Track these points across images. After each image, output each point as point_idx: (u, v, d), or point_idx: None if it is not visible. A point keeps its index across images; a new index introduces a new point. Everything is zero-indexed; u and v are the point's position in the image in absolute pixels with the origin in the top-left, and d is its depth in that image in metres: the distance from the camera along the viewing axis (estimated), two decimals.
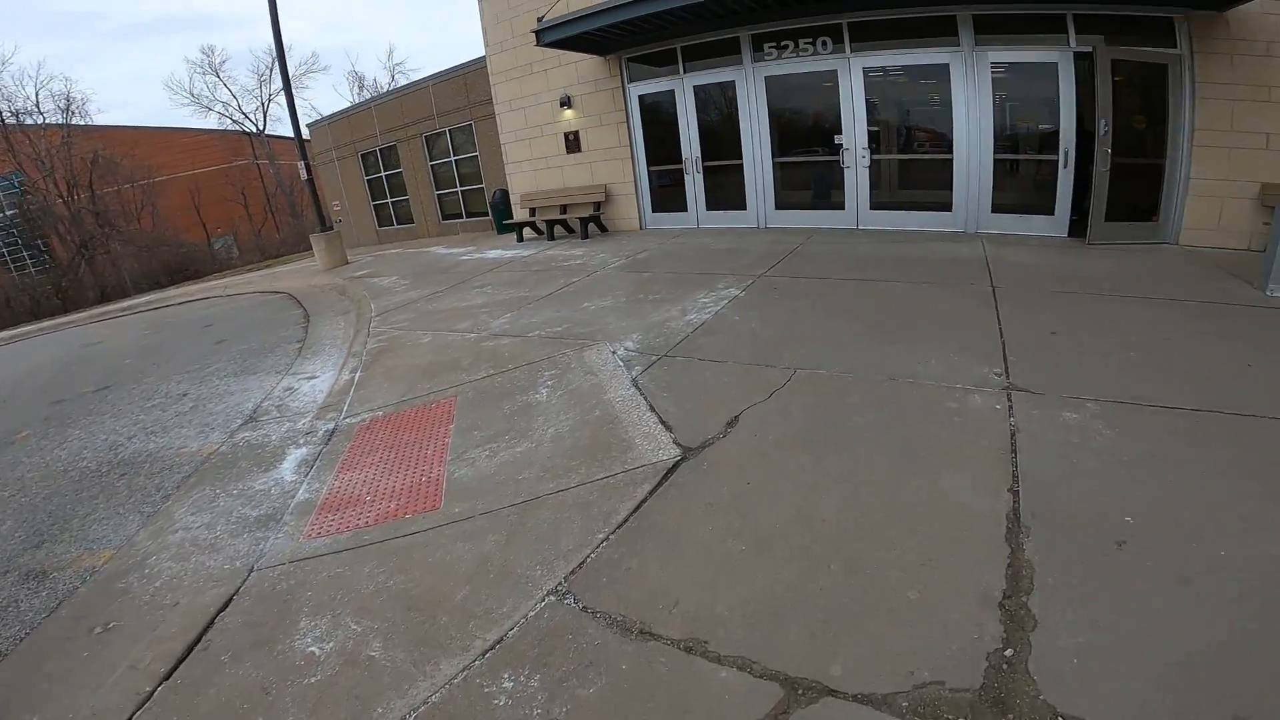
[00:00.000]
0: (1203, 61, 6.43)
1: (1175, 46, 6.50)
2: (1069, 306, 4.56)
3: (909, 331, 4.24)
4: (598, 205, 9.50)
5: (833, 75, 7.69)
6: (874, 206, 7.93)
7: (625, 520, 2.57)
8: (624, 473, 2.94)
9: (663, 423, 3.41)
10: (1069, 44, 6.70)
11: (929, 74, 7.34)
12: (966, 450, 2.79)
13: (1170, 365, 3.47)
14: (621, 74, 9.08)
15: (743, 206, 8.68)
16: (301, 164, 11.53)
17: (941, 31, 7.12)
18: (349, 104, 19.75)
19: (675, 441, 3.20)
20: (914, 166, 7.82)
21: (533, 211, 10.17)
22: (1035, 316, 4.37)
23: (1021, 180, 7.41)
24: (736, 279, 5.99)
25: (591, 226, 9.61)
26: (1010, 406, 3.11)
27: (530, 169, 10.28)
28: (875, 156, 7.78)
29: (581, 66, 9.39)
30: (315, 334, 6.70)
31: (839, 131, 7.82)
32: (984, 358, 3.70)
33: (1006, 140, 7.26)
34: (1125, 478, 2.48)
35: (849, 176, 7.90)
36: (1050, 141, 6.94)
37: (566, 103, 9.52)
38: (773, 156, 8.33)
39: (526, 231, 10.23)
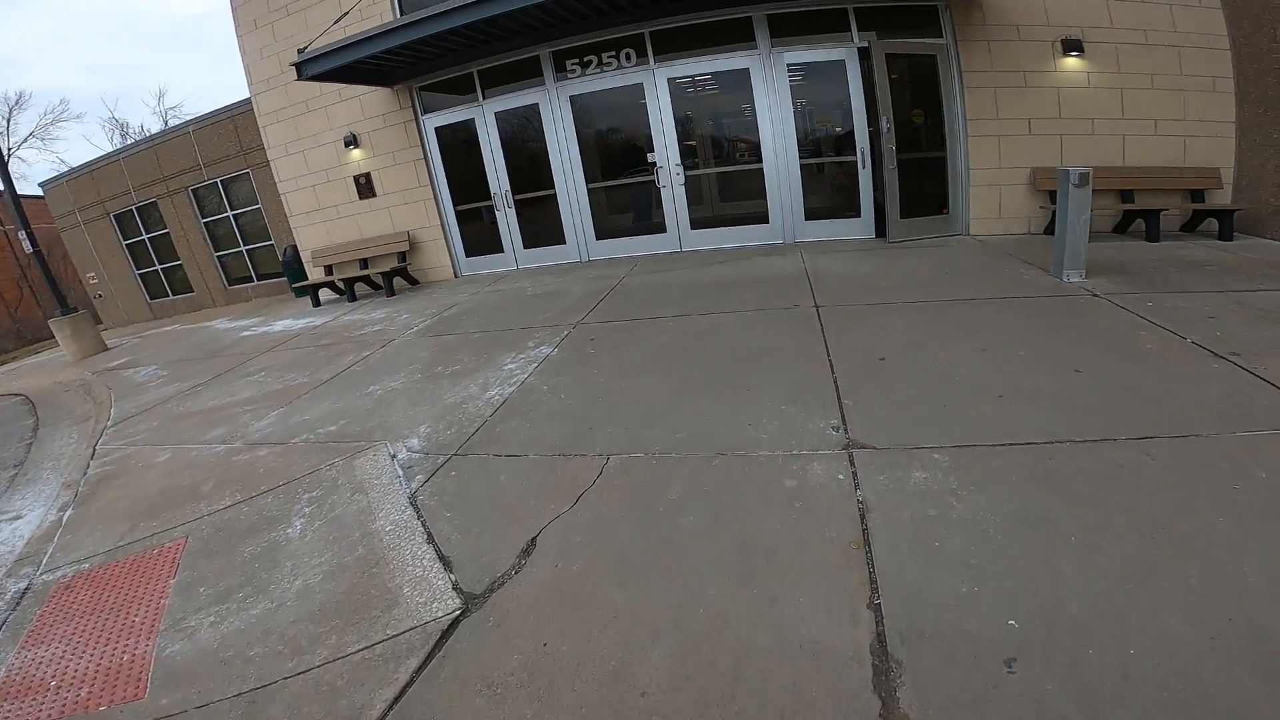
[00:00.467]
0: (965, 49, 6.81)
1: (941, 35, 6.82)
2: (889, 320, 4.37)
3: (736, 380, 3.78)
4: (403, 256, 8.42)
5: (639, 89, 7.32)
6: (695, 225, 7.66)
7: None
8: (385, 641, 2.18)
9: (442, 558, 2.62)
10: (853, 40, 6.81)
11: (734, 81, 7.20)
12: (812, 552, 2.27)
13: (1002, 383, 3.23)
14: (414, 105, 8.13)
15: (561, 241, 8.07)
16: (23, 234, 9.26)
17: (740, 35, 7.01)
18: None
19: (456, 586, 2.43)
20: (730, 179, 7.66)
21: (329, 269, 8.85)
22: (861, 338, 4.11)
23: (829, 184, 7.48)
24: (551, 332, 5.31)
25: (398, 281, 8.50)
26: (854, 474, 2.67)
27: (320, 220, 8.96)
28: (690, 172, 7.51)
29: (367, 100, 8.31)
30: (40, 453, 5.11)
31: (651, 149, 7.46)
32: (819, 405, 3.28)
33: (811, 145, 7.29)
34: (996, 560, 2.06)
35: (666, 196, 7.58)
36: (849, 143, 7.04)
37: (353, 142, 8.38)
38: (586, 183, 7.81)
39: (326, 293, 8.88)
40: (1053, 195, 6.79)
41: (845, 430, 3.01)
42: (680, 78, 7.20)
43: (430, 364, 5.15)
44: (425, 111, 8.14)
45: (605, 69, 7.39)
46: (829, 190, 7.45)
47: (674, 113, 7.28)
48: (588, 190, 7.81)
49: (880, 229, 7.14)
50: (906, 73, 7.01)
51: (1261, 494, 2.18)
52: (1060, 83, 6.79)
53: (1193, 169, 6.83)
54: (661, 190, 7.54)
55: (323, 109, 8.52)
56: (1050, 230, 6.91)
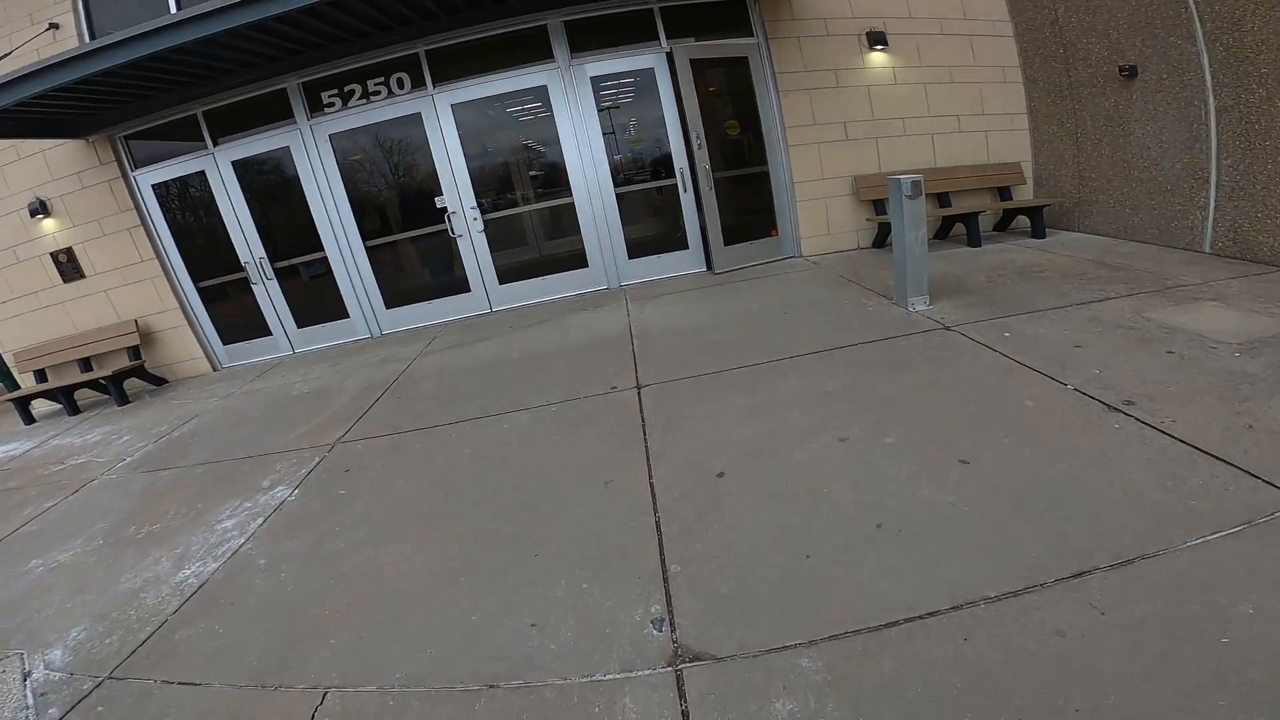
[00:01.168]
0: (777, 49, 6.29)
1: (752, 34, 6.25)
2: (727, 401, 3.53)
3: (524, 536, 2.71)
4: (135, 351, 6.57)
5: (417, 120, 6.10)
6: (505, 279, 6.57)
7: None
8: None
9: None
10: (662, 46, 6.05)
11: (533, 102, 6.18)
12: None
13: (877, 497, 2.43)
14: (120, 159, 6.32)
15: (344, 314, 6.65)
16: None
17: (535, 48, 6.02)
18: None
19: None
20: (540, 219, 6.65)
21: (42, 375, 6.77)
22: (693, 438, 3.21)
23: (651, 214, 6.70)
24: (297, 461, 3.99)
25: (137, 383, 6.65)
26: (686, 715, 1.72)
27: (16, 313, 6.83)
28: (490, 216, 6.41)
29: (53, 155, 6.36)
30: None
31: (440, 192, 6.27)
32: (634, 578, 2.29)
33: (627, 169, 6.45)
34: None
35: (464, 247, 6.41)
36: (667, 164, 6.29)
37: (42, 210, 6.40)
38: (363, 240, 6.45)
39: (46, 404, 6.77)
40: (877, 205, 6.46)
41: (671, 625, 2.05)
42: (468, 102, 6.08)
43: (124, 521, 3.68)
44: (137, 166, 6.35)
45: (373, 99, 6.10)
46: (652, 221, 6.68)
47: (463, 146, 6.15)
48: (365, 249, 6.46)
49: (710, 259, 6.46)
50: (722, 80, 6.40)
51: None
52: (870, 80, 6.49)
53: (996, 165, 6.80)
54: (458, 240, 6.37)
55: None
56: (880, 244, 6.58)
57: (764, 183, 6.53)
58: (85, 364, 6.63)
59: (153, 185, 6.33)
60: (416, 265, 6.67)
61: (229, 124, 6.25)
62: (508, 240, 6.62)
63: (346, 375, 5.51)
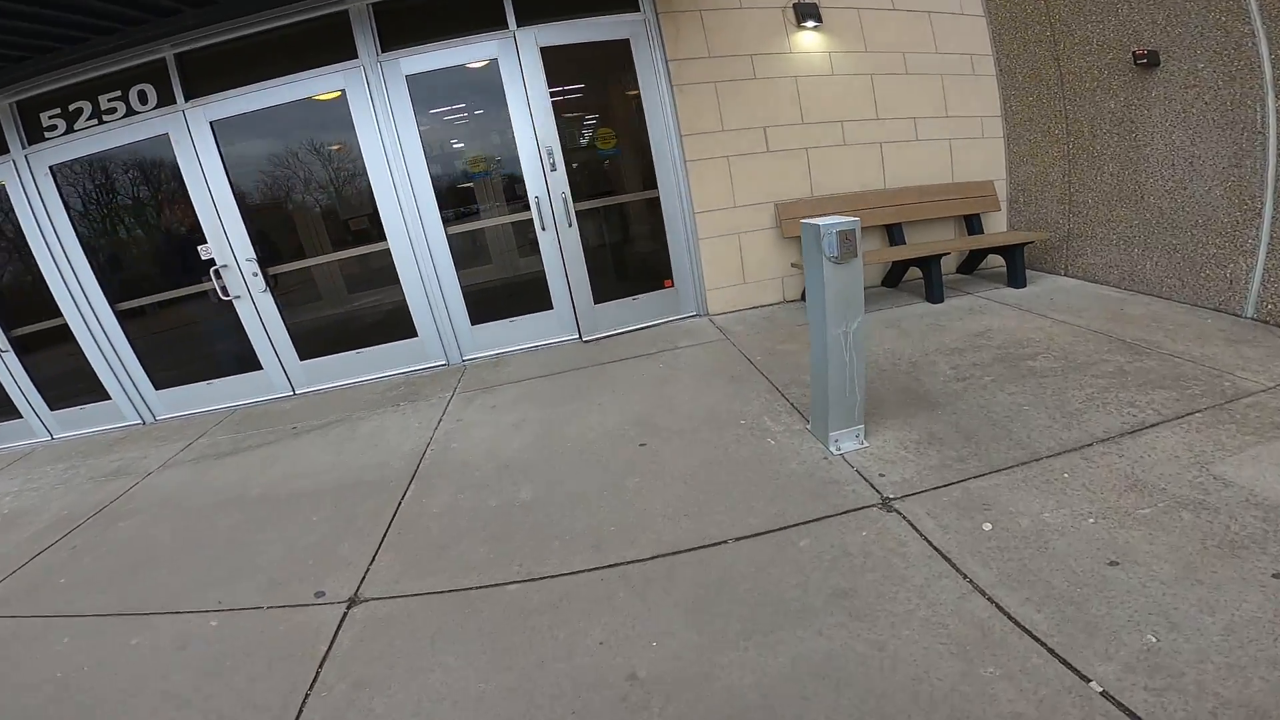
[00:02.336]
0: (670, 27, 4.61)
1: (636, 8, 4.55)
2: (463, 655, 1.90)
3: None
4: None
5: (166, 143, 4.42)
6: (308, 354, 4.92)
7: None
8: None
9: None
10: (510, 28, 4.37)
11: (328, 114, 4.50)
12: None
13: None
14: None
15: (105, 395, 5.01)
16: None
17: (331, 43, 4.33)
18: None
19: None
20: (351, 272, 4.98)
21: None
22: None
23: (501, 262, 5.05)
24: None
25: None
26: None
27: None
28: (276, 269, 4.75)
29: None
30: None
31: (205, 239, 4.61)
32: None
33: (460, 201, 4.79)
34: None
35: (245, 312, 4.76)
36: (520, 193, 4.62)
37: None
38: (110, 305, 4.79)
39: None
40: None
41: None
42: (234, 119, 4.40)
43: None
44: None
45: (107, 119, 4.42)
46: (505, 271, 5.02)
47: (229, 178, 4.47)
48: (115, 315, 4.80)
49: (579, 323, 4.84)
50: (594, 73, 4.73)
51: None
52: (799, 69, 4.84)
53: (962, 186, 5.15)
54: (236, 303, 4.71)
55: None
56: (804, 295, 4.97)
57: (653, 214, 4.88)
58: None
59: None
60: (189, 335, 5.02)
61: None
62: (309, 302, 4.97)
63: (65, 489, 3.92)
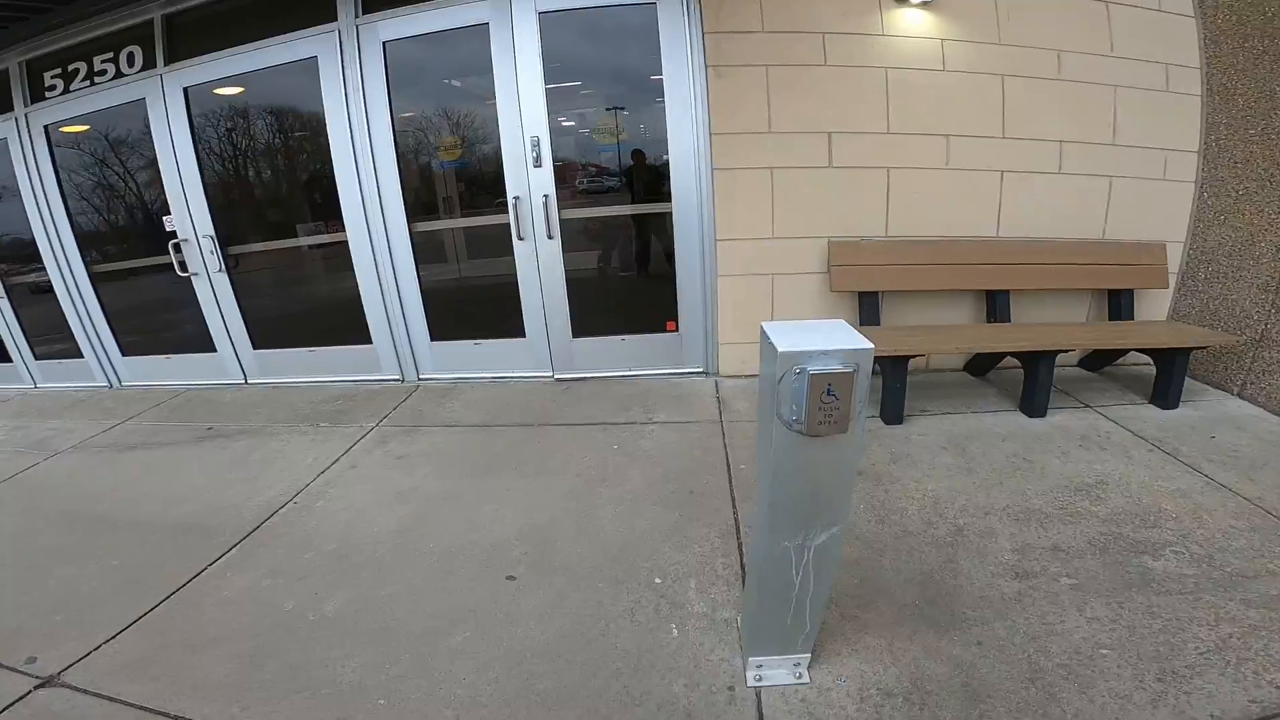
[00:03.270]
0: None
1: None
2: None
3: None
4: None
5: (141, 109, 4.06)
6: (262, 343, 4.42)
7: None
8: None
9: None
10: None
11: (298, 80, 3.91)
12: None
13: None
14: None
15: (79, 354, 4.85)
16: None
17: (312, 6, 3.74)
18: None
19: None
20: (312, 262, 4.40)
21: None
22: None
23: (474, 272, 4.24)
24: None
25: None
26: None
27: None
28: (235, 249, 4.25)
29: None
30: None
31: (169, 210, 4.20)
32: None
33: (427, 194, 4.03)
34: None
35: (202, 291, 4.34)
36: (499, 188, 3.75)
37: None
38: (85, 265, 4.56)
39: None
40: (866, 303, 3.61)
41: None
42: (205, 85, 3.94)
43: None
44: None
45: (98, 81, 4.13)
46: (477, 284, 4.21)
47: (196, 149, 4.02)
48: (89, 277, 4.57)
49: (553, 359, 3.94)
50: (608, 48, 3.77)
51: None
52: (893, 57, 3.59)
53: (1114, 247, 3.61)
54: (194, 281, 4.28)
55: None
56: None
57: (662, 234, 3.82)
58: None
59: None
60: (153, 306, 4.70)
61: None
62: (267, 290, 4.47)
63: None
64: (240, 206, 4.30)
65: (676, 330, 3.88)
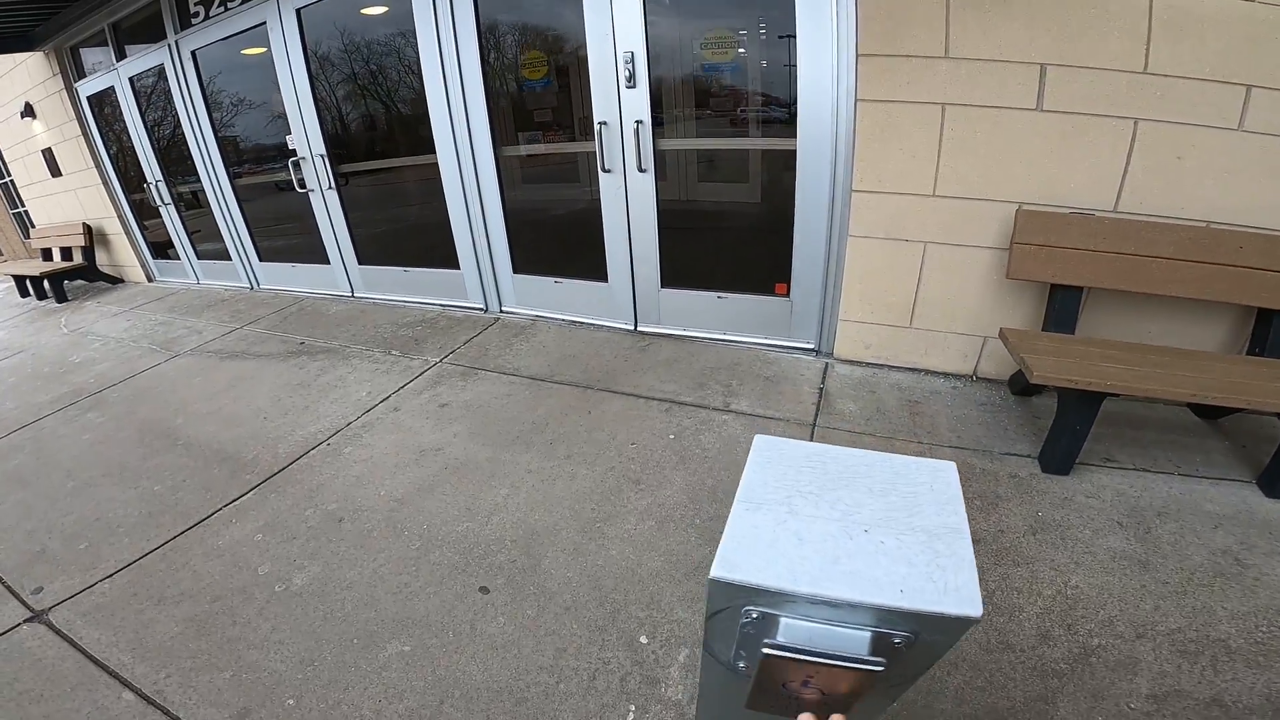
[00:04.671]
0: None
1: None
2: None
3: None
4: (88, 251, 6.13)
5: (264, 34, 4.08)
6: (366, 259, 4.41)
7: None
8: None
9: None
10: None
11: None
12: None
13: None
14: (66, 70, 5.61)
15: (228, 256, 5.24)
16: None
17: None
18: None
19: None
20: (415, 184, 4.20)
21: (48, 254, 6.81)
22: None
23: (559, 204, 3.77)
24: None
25: (96, 281, 6.35)
26: None
27: (35, 195, 6.93)
28: (346, 168, 4.19)
29: (32, 64, 5.94)
30: None
31: (290, 130, 4.24)
32: None
33: (517, 114, 3.58)
34: None
35: (317, 206, 4.38)
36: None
37: (29, 112, 6.15)
38: (230, 180, 4.82)
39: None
40: (1057, 296, 2.62)
41: None
42: (316, 5, 3.78)
43: None
44: (79, 77, 5.57)
45: (229, 5, 4.17)
46: (563, 215, 3.75)
47: (308, 70, 3.95)
48: (234, 189, 4.83)
49: (637, 309, 3.41)
50: None
51: None
52: None
53: None
54: (310, 197, 4.32)
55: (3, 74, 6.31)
56: (1025, 388, 2.79)
57: (781, 176, 3.02)
58: (66, 253, 6.40)
59: (87, 96, 5.53)
60: (282, 217, 4.88)
61: (130, 36, 4.99)
62: (372, 208, 4.37)
63: (127, 349, 4.22)
64: (348, 127, 4.20)
65: (787, 295, 3.13)
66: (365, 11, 3.75)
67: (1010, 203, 2.71)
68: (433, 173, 3.75)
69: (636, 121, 2.93)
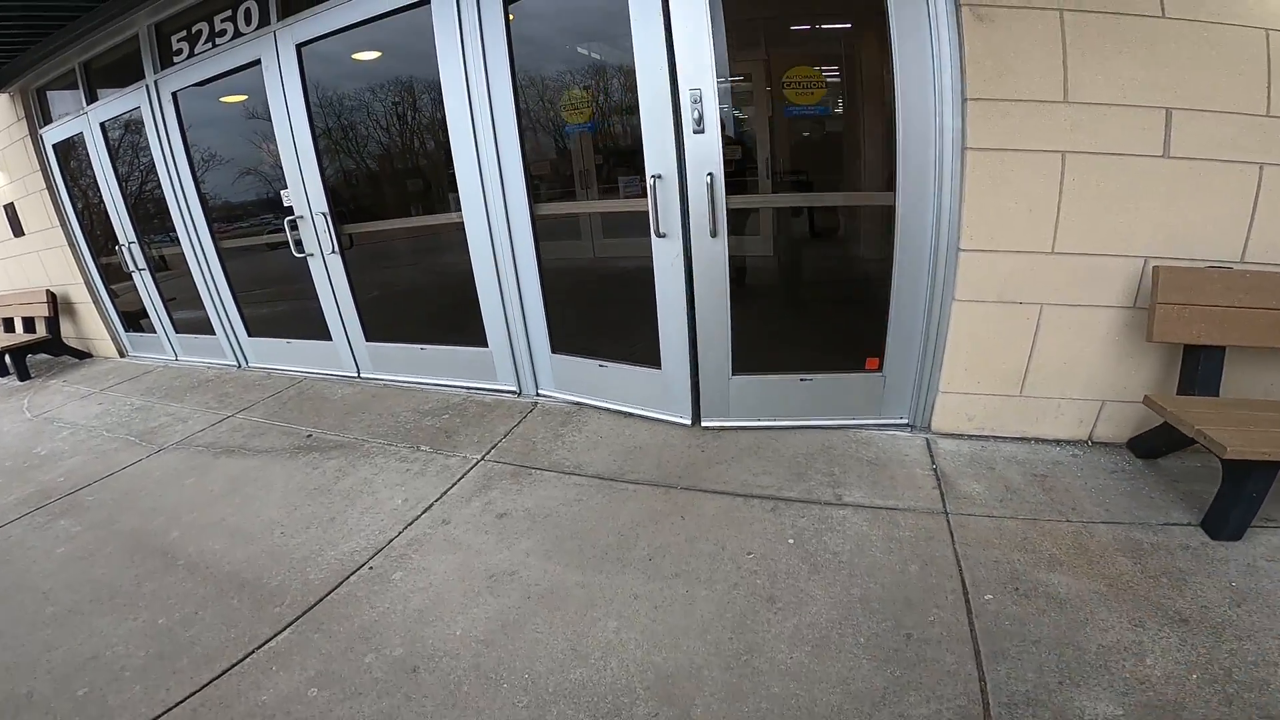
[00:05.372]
0: None
1: None
2: None
3: None
4: (52, 322, 5.52)
5: (258, 71, 3.63)
6: (375, 335, 3.91)
7: None
8: None
9: None
10: None
11: (409, 45, 3.25)
12: None
13: None
14: (31, 114, 5.08)
15: (209, 330, 4.70)
16: None
17: None
18: None
19: None
20: (432, 248, 3.77)
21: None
22: None
23: (605, 272, 3.36)
24: None
25: (61, 355, 5.72)
26: None
27: None
28: (351, 228, 3.73)
29: None
30: None
31: (286, 184, 3.77)
32: None
33: (553, 167, 3.19)
34: None
35: (317, 273, 3.89)
36: (635, 162, 2.77)
37: None
38: (213, 241, 4.31)
39: None
40: (1197, 354, 2.28)
41: None
42: (321, 41, 3.38)
43: None
44: (45, 122, 5.02)
45: (218, 41, 3.74)
46: (609, 285, 3.34)
47: (309, 113, 3.49)
48: (217, 251, 4.32)
49: (699, 401, 2.94)
50: None
51: None
52: (1272, 16, 2.15)
53: None
54: (310, 262, 3.84)
55: None
56: (1152, 449, 2.48)
57: (873, 237, 2.67)
58: (29, 324, 5.77)
59: (53, 145, 5.00)
60: (274, 282, 4.39)
61: (104, 78, 4.52)
62: (384, 274, 3.92)
63: (101, 441, 3.68)
64: (354, 182, 3.76)
65: (879, 369, 2.74)
66: (373, 49, 3.35)
67: (1135, 257, 2.44)
68: (455, 235, 3.32)
69: (707, 175, 2.53)
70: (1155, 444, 2.37)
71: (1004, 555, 1.95)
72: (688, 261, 2.68)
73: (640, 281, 2.87)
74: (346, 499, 2.67)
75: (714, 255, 2.63)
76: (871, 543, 2.05)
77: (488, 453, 2.92)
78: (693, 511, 2.33)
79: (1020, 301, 2.52)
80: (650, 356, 2.93)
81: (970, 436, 2.73)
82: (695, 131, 2.50)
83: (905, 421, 2.83)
